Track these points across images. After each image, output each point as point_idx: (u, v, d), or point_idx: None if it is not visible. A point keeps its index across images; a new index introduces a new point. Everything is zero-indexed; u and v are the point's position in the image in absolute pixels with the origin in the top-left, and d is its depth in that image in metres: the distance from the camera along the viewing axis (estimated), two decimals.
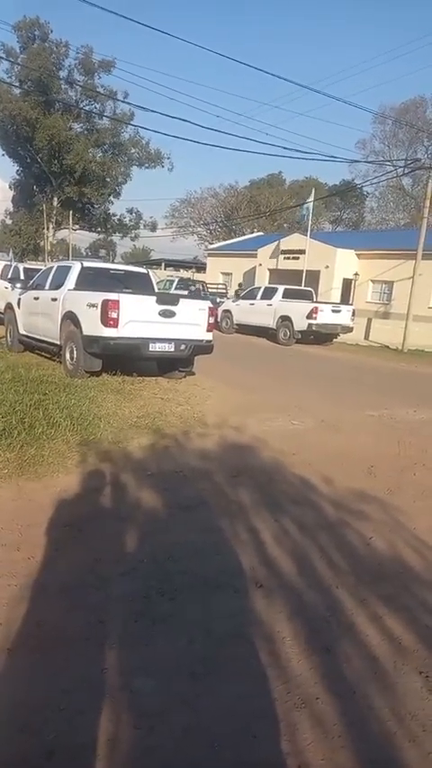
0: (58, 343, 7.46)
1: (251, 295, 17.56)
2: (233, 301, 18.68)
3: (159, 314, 6.85)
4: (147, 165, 37.79)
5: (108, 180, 36.46)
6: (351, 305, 18.42)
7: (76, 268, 7.71)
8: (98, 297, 6.58)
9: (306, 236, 25.85)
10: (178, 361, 7.57)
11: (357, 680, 2.00)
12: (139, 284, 8.11)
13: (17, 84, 32.87)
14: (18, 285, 9.61)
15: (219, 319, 16.25)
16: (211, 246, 40.96)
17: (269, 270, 29.47)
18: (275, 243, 29.06)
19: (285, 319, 15.38)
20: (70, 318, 7.07)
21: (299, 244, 26.65)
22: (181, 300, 7.18)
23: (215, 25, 75.78)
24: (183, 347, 7.07)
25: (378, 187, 47.07)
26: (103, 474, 3.89)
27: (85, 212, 38.20)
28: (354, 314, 16.06)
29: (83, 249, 49.42)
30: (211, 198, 54.09)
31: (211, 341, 7.40)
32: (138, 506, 3.40)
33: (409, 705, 1.89)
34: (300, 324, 14.94)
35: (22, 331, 8.82)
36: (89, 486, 3.66)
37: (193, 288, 23.78)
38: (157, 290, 8.85)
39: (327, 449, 5.04)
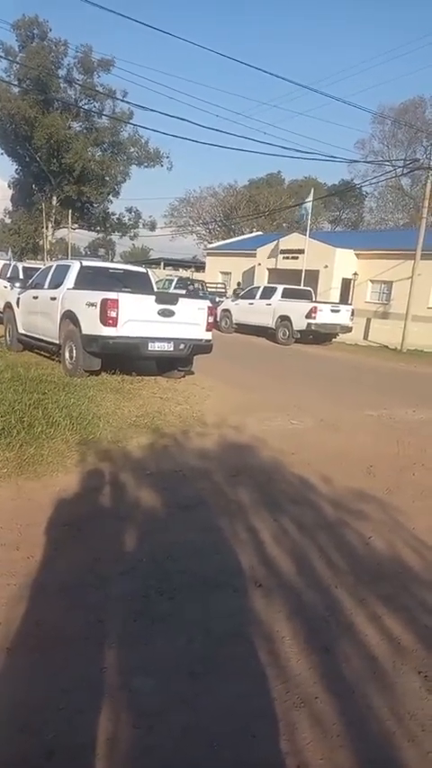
0: (58, 342, 7.45)
1: (250, 294, 17.56)
2: (232, 301, 18.68)
3: (158, 313, 6.84)
4: (146, 164, 37.76)
5: (107, 179, 36.43)
6: (350, 305, 18.43)
7: (75, 267, 7.70)
8: (97, 296, 6.58)
9: (305, 235, 25.86)
10: (177, 361, 7.57)
11: (356, 679, 2.00)
12: (138, 283, 8.10)
13: (16, 82, 32.83)
14: (17, 284, 9.61)
15: (218, 319, 16.26)
16: (211, 246, 40.95)
17: (268, 269, 29.47)
18: (274, 242, 29.07)
19: (284, 319, 15.38)
20: (69, 317, 7.06)
21: (298, 243, 26.66)
22: (180, 300, 7.18)
23: (215, 24, 75.79)
24: (182, 346, 7.06)
25: (377, 187, 47.12)
26: (102, 473, 3.89)
27: (84, 211, 38.16)
28: (353, 314, 16.07)
29: (82, 248, 49.47)
30: (211, 197, 54.12)
31: (210, 340, 7.40)
32: (137, 506, 3.40)
33: (408, 705, 1.90)
34: (299, 323, 14.94)
35: (21, 330, 8.82)
36: (88, 485, 3.66)
37: (191, 287, 23.77)
38: (156, 290, 8.85)
39: (326, 448, 5.04)
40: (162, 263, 44.90)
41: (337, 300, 23.46)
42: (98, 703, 1.78)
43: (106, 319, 6.47)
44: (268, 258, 29.51)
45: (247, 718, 1.78)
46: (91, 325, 6.63)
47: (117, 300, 6.50)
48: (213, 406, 6.35)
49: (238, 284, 29.81)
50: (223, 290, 28.56)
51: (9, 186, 39.26)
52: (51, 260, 26.64)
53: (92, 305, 6.61)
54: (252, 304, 16.81)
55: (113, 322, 6.49)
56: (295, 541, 3.08)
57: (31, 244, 37.98)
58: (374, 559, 2.96)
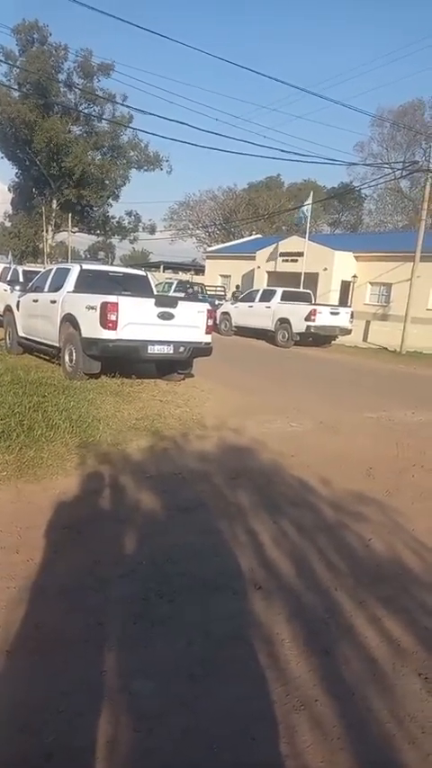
0: (57, 345, 7.46)
1: (250, 297, 17.58)
2: (232, 303, 18.70)
3: (158, 316, 6.85)
4: (145, 167, 37.84)
5: (107, 182, 36.51)
6: (349, 307, 18.44)
7: (74, 270, 7.72)
8: (97, 299, 6.59)
9: (304, 238, 25.90)
10: (177, 364, 7.58)
11: (356, 682, 2.00)
12: (137, 287, 8.11)
13: (16, 87, 32.94)
14: (17, 287, 9.62)
15: (217, 321, 16.27)
16: (210, 249, 41.05)
17: (268, 272, 29.52)
18: (274, 245, 29.13)
19: (284, 321, 15.40)
20: (69, 321, 7.07)
21: (297, 246, 26.70)
22: (180, 303, 7.19)
23: (214, 28, 76.11)
24: (182, 349, 7.07)
25: (376, 189, 47.22)
26: (102, 476, 3.89)
27: (83, 215, 38.23)
28: (352, 316, 16.08)
29: (82, 252, 49.52)
30: (210, 200, 54.24)
31: (209, 343, 7.41)
32: (137, 508, 3.40)
33: (408, 707, 1.90)
34: (298, 326, 14.95)
35: (21, 333, 8.83)
36: (88, 488, 3.66)
37: (190, 290, 23.79)
38: (155, 293, 8.86)
39: (325, 451, 5.04)
40: (162, 267, 44.95)
41: (337, 303, 23.47)
42: (98, 706, 1.78)
43: (106, 322, 6.48)
44: (268, 261, 29.56)
45: (246, 720, 1.78)
46: (91, 328, 6.64)
47: (117, 304, 6.51)
48: (213, 408, 6.35)
49: (237, 287, 29.85)
50: (223, 293, 28.59)
51: (9, 190, 39.36)
52: (51, 263, 26.68)
53: (92, 308, 6.62)
54: (251, 307, 16.83)
55: (113, 325, 6.50)
56: (295, 544, 3.08)
57: (31, 247, 38.03)
58: (374, 561, 2.96)
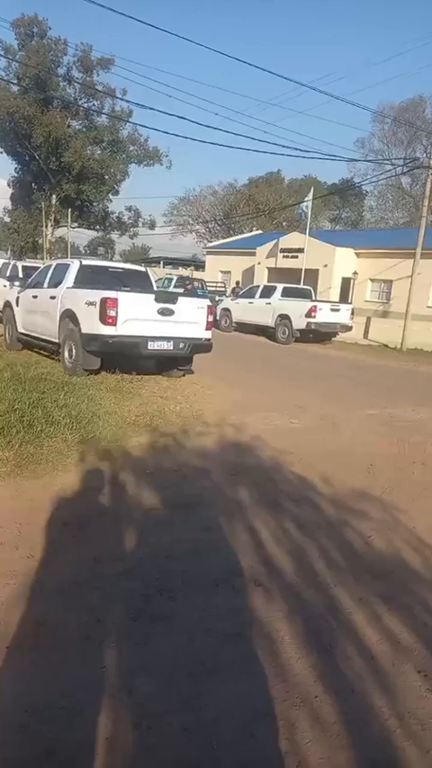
0: (57, 341, 7.45)
1: (250, 293, 17.54)
2: (232, 300, 18.67)
3: (158, 312, 6.83)
4: (145, 162, 37.69)
5: (106, 177, 36.37)
6: (350, 304, 18.41)
7: (74, 266, 7.69)
8: (97, 295, 6.57)
9: (305, 234, 25.85)
10: (177, 360, 7.56)
11: (356, 679, 2.00)
12: (137, 282, 8.09)
13: (15, 81, 32.77)
14: (16, 283, 9.60)
15: (218, 318, 16.24)
16: (210, 245, 40.93)
17: (268, 268, 29.47)
18: (274, 241, 29.07)
19: (284, 318, 15.37)
20: (69, 316, 7.05)
21: (298, 242, 26.65)
22: (180, 299, 7.17)
23: (215, 23, 75.66)
24: (182, 345, 7.06)
25: (377, 186, 47.14)
26: (102, 472, 3.88)
27: (83, 210, 38.11)
28: (352, 313, 16.05)
29: (81, 247, 49.40)
30: (210, 196, 54.10)
31: (210, 339, 7.40)
32: (137, 505, 3.40)
33: (407, 703, 1.90)
34: (298, 322, 14.92)
35: (20, 329, 8.81)
36: (88, 484, 3.65)
37: (189, 285, 23.75)
38: (155, 288, 8.84)
39: (326, 447, 5.04)
40: (161, 262, 44.89)
41: (337, 299, 23.47)
42: (98, 703, 1.78)
43: (106, 318, 6.46)
44: (268, 257, 29.51)
45: (246, 717, 1.78)
46: (90, 324, 6.62)
47: (116, 299, 6.49)
48: (213, 405, 6.34)
49: (237, 283, 29.80)
50: (223, 289, 28.56)
51: (8, 185, 39.22)
52: (51, 259, 26.62)
53: (91, 304, 6.60)
54: (252, 303, 16.80)
55: (113, 321, 6.48)
56: (295, 540, 3.07)
57: (31, 242, 37.94)
58: (374, 558, 2.96)
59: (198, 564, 2.72)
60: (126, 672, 1.94)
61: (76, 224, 37.36)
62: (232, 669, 2.00)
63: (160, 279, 23.22)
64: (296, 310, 15.07)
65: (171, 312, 6.91)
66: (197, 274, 35.12)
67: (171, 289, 21.26)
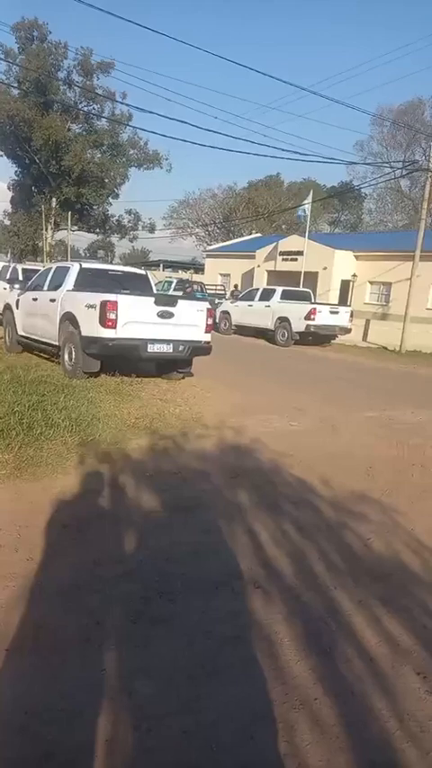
0: (57, 343, 7.46)
1: (249, 296, 17.57)
2: (231, 302, 18.69)
3: (158, 315, 6.85)
4: (145, 165, 37.80)
5: (106, 181, 36.46)
6: (349, 306, 18.44)
7: (74, 269, 7.71)
8: (96, 298, 6.58)
9: (304, 237, 25.90)
10: (177, 363, 7.57)
11: (356, 681, 2.00)
12: (137, 285, 8.11)
13: (15, 84, 32.86)
14: (16, 286, 9.61)
15: (217, 320, 16.26)
16: (210, 248, 41.04)
17: (267, 271, 29.52)
18: (274, 244, 29.12)
19: (283, 320, 15.39)
20: (69, 319, 7.07)
21: (297, 245, 26.70)
22: (179, 302, 7.19)
23: (214, 27, 75.95)
24: (181, 348, 7.07)
25: (376, 189, 47.28)
26: (101, 475, 3.88)
27: (83, 213, 38.19)
28: (352, 315, 16.07)
29: (81, 250, 49.43)
30: (210, 199, 54.22)
31: (209, 342, 7.41)
32: (136, 507, 3.40)
33: (407, 705, 1.90)
34: (298, 325, 14.94)
35: (20, 332, 8.82)
36: (88, 487, 3.65)
37: (189, 289, 23.78)
38: (155, 292, 8.85)
39: (325, 450, 5.04)
40: (161, 265, 44.94)
41: (337, 302, 23.47)
42: (97, 705, 1.78)
43: (105, 321, 6.47)
44: (267, 260, 29.56)
45: (246, 720, 1.78)
46: (90, 326, 6.63)
47: (116, 302, 6.50)
48: (213, 407, 6.35)
49: (236, 286, 29.86)
50: (222, 292, 28.60)
51: (9, 188, 39.33)
52: (51, 262, 26.65)
53: (91, 307, 6.61)
54: (251, 306, 16.82)
55: (113, 324, 6.49)
56: (294, 543, 3.08)
57: (31, 245, 38.01)
58: (374, 561, 2.96)
59: (197, 566, 2.72)
60: (126, 674, 1.94)
61: (75, 227, 37.44)
62: (232, 672, 2.00)
63: (160, 282, 23.24)
64: (295, 313, 15.09)
65: (171, 315, 6.92)
66: (197, 277, 35.15)
67: (171, 292, 21.27)
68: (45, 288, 8.08)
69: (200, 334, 7.26)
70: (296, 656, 2.11)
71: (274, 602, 2.46)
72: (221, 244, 40.80)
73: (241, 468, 4.26)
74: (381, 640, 2.25)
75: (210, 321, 7.38)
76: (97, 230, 41.05)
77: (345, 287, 27.20)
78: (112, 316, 6.48)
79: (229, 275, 33.90)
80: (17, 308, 8.84)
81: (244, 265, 31.99)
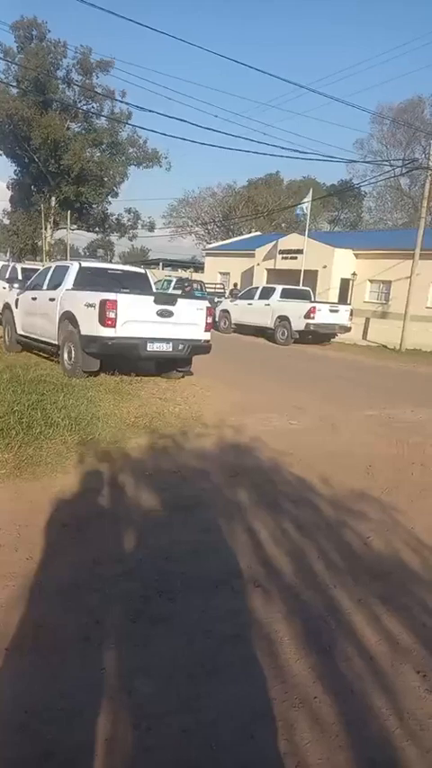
0: (56, 343, 7.45)
1: (249, 295, 17.56)
2: (231, 301, 18.69)
3: (157, 314, 6.84)
4: (144, 164, 37.76)
5: (106, 179, 36.42)
6: (349, 305, 18.43)
7: (74, 268, 7.70)
8: (96, 297, 6.58)
9: (304, 235, 25.89)
10: (176, 361, 7.57)
11: (355, 679, 2.00)
12: (137, 284, 8.10)
13: (14, 83, 32.82)
14: (16, 285, 9.60)
15: (217, 319, 16.25)
16: (209, 246, 40.98)
17: (267, 270, 29.50)
18: (273, 243, 29.10)
19: (283, 319, 15.38)
20: (68, 318, 7.06)
21: (297, 243, 26.68)
22: (179, 300, 7.18)
23: (213, 25, 75.82)
24: (181, 347, 7.06)
25: (376, 187, 47.21)
26: (101, 474, 3.88)
27: (82, 212, 38.15)
28: (351, 313, 16.06)
29: (81, 249, 49.41)
30: (209, 198, 54.15)
31: (209, 341, 7.40)
32: (136, 506, 3.40)
33: (406, 704, 1.90)
34: (297, 323, 14.94)
35: (20, 331, 8.81)
36: (87, 486, 3.65)
37: (188, 287, 23.78)
38: (154, 290, 8.85)
39: (325, 448, 5.04)
40: (161, 264, 44.91)
41: (336, 300, 23.48)
42: (97, 704, 1.78)
43: (105, 320, 6.47)
44: (267, 258, 29.54)
45: (246, 718, 1.78)
46: (90, 325, 6.63)
47: (116, 301, 6.50)
48: (212, 406, 6.35)
49: (235, 285, 29.85)
50: (222, 291, 28.60)
51: (8, 187, 39.29)
52: (50, 261, 26.64)
53: (90, 306, 6.61)
54: (251, 304, 16.81)
55: (112, 323, 6.49)
56: (294, 541, 3.08)
57: (30, 245, 37.96)
58: (373, 559, 2.96)
59: (197, 565, 2.72)
60: (125, 673, 1.94)
61: (75, 226, 37.40)
62: (231, 670, 2.00)
63: (159, 281, 23.23)
64: (295, 311, 15.09)
65: (170, 314, 6.92)
66: (196, 276, 35.14)
67: (170, 290, 21.27)
68: (44, 287, 8.07)
69: (199, 333, 7.25)
70: (296, 655, 2.11)
71: (274, 601, 2.46)
72: (221, 242, 40.76)
73: (241, 467, 4.26)
74: (380, 639, 2.25)
75: (209, 320, 7.38)
76: (96, 229, 41.02)
77: (344, 285, 27.19)
78: (112, 315, 6.47)
79: (228, 274, 33.88)
80: (16, 308, 8.84)
81: (243, 264, 31.97)
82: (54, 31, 35.13)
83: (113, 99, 33.05)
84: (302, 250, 25.40)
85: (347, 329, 15.87)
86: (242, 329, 17.21)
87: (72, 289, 7.39)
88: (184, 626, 2.23)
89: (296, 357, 13.12)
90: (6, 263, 15.82)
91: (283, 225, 47.96)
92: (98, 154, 36.41)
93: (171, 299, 7.16)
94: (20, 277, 12.33)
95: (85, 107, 36.02)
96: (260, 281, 27.29)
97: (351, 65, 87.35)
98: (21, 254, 37.01)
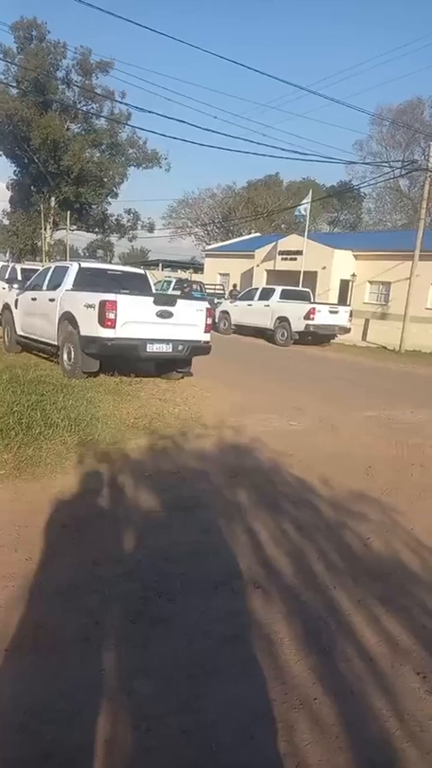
0: (56, 343, 7.45)
1: (249, 296, 17.57)
2: (231, 302, 18.69)
3: (157, 315, 6.84)
4: (144, 165, 37.81)
5: (105, 180, 36.46)
6: (348, 306, 18.44)
7: (73, 269, 7.70)
8: (96, 297, 6.58)
9: (303, 236, 25.90)
10: (176, 362, 7.57)
11: (355, 680, 2.00)
12: (136, 285, 8.10)
13: (14, 84, 32.85)
14: (15, 285, 9.60)
15: (216, 320, 16.26)
16: (209, 247, 41.01)
17: (267, 271, 29.51)
18: (273, 244, 29.11)
19: (283, 320, 15.39)
20: (68, 319, 7.06)
21: (296, 244, 26.70)
22: (178, 301, 7.18)
23: (214, 23, 75.94)
24: (180, 348, 7.06)
25: (375, 188, 47.31)
26: (100, 475, 3.88)
27: (82, 213, 38.18)
28: (351, 315, 16.07)
29: (80, 250, 49.47)
30: (209, 199, 54.18)
31: (208, 341, 7.40)
32: (135, 507, 3.40)
33: (406, 705, 1.90)
34: (297, 324, 14.94)
35: (19, 331, 8.81)
36: (87, 486, 3.65)
37: (187, 288, 23.78)
38: (154, 291, 8.85)
39: (325, 449, 5.04)
40: (160, 265, 44.93)
41: (336, 301, 23.48)
42: (97, 705, 1.78)
43: (105, 321, 6.47)
44: (267, 259, 29.55)
45: (245, 719, 1.78)
46: (89, 326, 6.63)
47: (115, 302, 6.49)
48: (212, 407, 6.35)
49: (234, 286, 29.86)
50: (222, 292, 28.61)
51: (7, 188, 39.32)
52: (50, 261, 26.63)
53: (90, 306, 6.61)
54: (250, 305, 16.82)
55: (112, 323, 6.49)
56: (294, 542, 3.08)
57: (30, 245, 38.00)
58: (373, 560, 2.96)
59: (197, 566, 2.72)
60: (125, 674, 1.94)
61: (74, 227, 37.42)
62: (231, 671, 2.00)
63: (159, 282, 23.24)
64: (295, 312, 15.09)
65: (170, 315, 6.92)
66: (196, 277, 35.16)
67: (169, 291, 21.27)
68: (44, 287, 8.07)
69: (199, 334, 7.25)
70: (296, 656, 2.11)
71: (274, 602, 2.46)
72: (220, 243, 40.79)
73: (241, 468, 4.26)
74: (380, 640, 2.25)
75: (209, 321, 7.38)
76: (96, 230, 41.06)
77: (344, 286, 27.20)
78: (111, 315, 6.47)
79: (228, 275, 33.89)
80: (16, 308, 8.84)
81: (243, 265, 31.98)
82: (54, 32, 35.26)
83: (113, 100, 33.15)
84: (302, 251, 25.41)
85: (347, 330, 15.88)
86: (242, 330, 17.22)
87: (72, 289, 7.39)
88: (183, 627, 2.23)
89: (296, 358, 13.12)
90: (6, 264, 15.82)
91: (282, 226, 47.99)
92: (98, 154, 36.45)
93: (171, 300, 7.16)
94: (19, 277, 12.32)
95: (84, 108, 36.07)
96: (260, 282, 27.29)
97: (351, 66, 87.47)
98: (20, 254, 37.03)
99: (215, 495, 3.70)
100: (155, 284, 10.18)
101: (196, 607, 2.37)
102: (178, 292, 20.52)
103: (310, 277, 25.22)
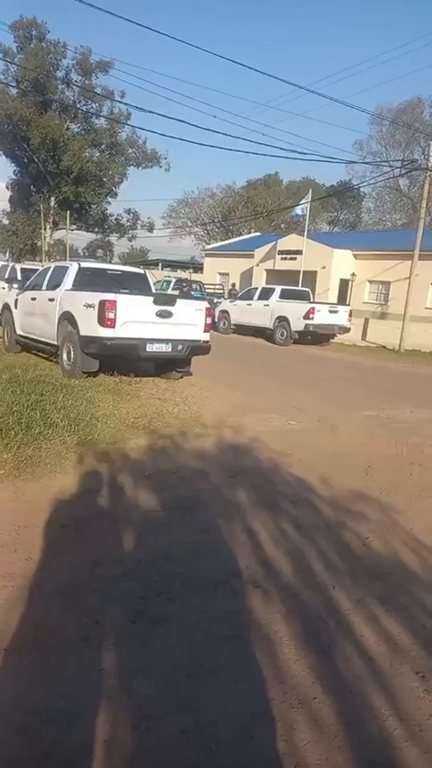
0: (56, 343, 7.45)
1: (248, 295, 17.57)
2: (230, 302, 18.69)
3: (156, 314, 6.84)
4: (144, 165, 37.78)
5: (105, 180, 36.45)
6: (348, 305, 18.44)
7: (73, 268, 7.70)
8: (95, 297, 6.58)
9: (303, 236, 25.91)
10: (175, 362, 7.57)
11: (354, 680, 2.01)
12: (136, 285, 8.10)
13: (14, 83, 32.83)
14: (15, 285, 9.60)
15: (216, 319, 16.26)
16: (209, 247, 41.00)
17: (266, 270, 29.51)
18: (272, 243, 29.11)
19: (282, 320, 15.39)
20: (67, 319, 7.06)
21: (296, 244, 26.70)
22: (178, 301, 7.18)
23: (214, 23, 75.90)
24: (180, 347, 7.06)
25: (375, 188, 47.31)
26: (100, 474, 3.88)
27: (82, 212, 38.17)
28: (350, 314, 16.08)
29: (80, 249, 49.47)
30: (209, 198, 54.17)
31: (208, 341, 7.40)
32: (135, 507, 3.40)
33: (405, 704, 1.90)
34: (297, 324, 14.94)
35: (19, 331, 8.81)
36: (87, 486, 3.65)
37: (186, 288, 23.77)
38: (154, 291, 8.85)
39: (324, 449, 5.04)
40: (160, 265, 44.91)
41: (335, 301, 23.48)
42: (97, 705, 1.78)
43: (104, 320, 6.47)
44: (266, 259, 29.55)
45: (245, 719, 1.78)
46: (89, 326, 6.63)
47: (115, 302, 6.49)
48: (211, 406, 6.35)
49: (233, 286, 29.86)
50: (221, 291, 28.61)
51: (7, 187, 39.30)
52: (49, 261, 26.62)
53: (90, 306, 6.61)
54: (250, 305, 16.82)
55: (111, 323, 6.49)
56: (293, 542, 3.08)
57: (30, 245, 37.98)
58: (372, 560, 2.97)
59: (196, 566, 2.72)
60: (125, 673, 1.94)
61: (74, 226, 37.41)
62: (231, 671, 2.00)
63: (159, 281, 23.23)
64: (294, 312, 15.09)
65: (169, 314, 6.92)
66: (196, 276, 35.15)
67: (169, 291, 21.27)
68: (44, 287, 8.07)
69: (199, 334, 7.25)
70: (295, 655, 2.11)
71: (273, 601, 2.46)
72: (220, 243, 40.77)
73: (240, 468, 4.26)
74: (379, 639, 2.26)
75: (208, 320, 7.38)
76: (96, 229, 41.04)
77: (344, 286, 27.21)
78: (111, 315, 6.47)
79: (227, 274, 33.89)
80: (16, 308, 8.83)
81: (243, 264, 31.98)
82: (53, 32, 35.32)
83: (113, 99, 33.12)
84: (302, 251, 25.41)
85: (346, 330, 15.89)
86: (241, 330, 17.22)
87: (71, 289, 7.39)
88: (183, 626, 2.23)
89: (295, 358, 13.12)
90: (6, 264, 15.81)
91: (282, 225, 47.99)
92: (97, 154, 36.44)
93: (170, 300, 7.16)
94: (19, 277, 12.32)
95: (84, 107, 36.04)
96: (259, 281, 27.30)
97: (351, 65, 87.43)
98: (20, 254, 37.01)
99: (215, 494, 3.70)
100: (154, 284, 10.18)
101: (196, 607, 2.37)
102: (177, 292, 20.52)
103: (310, 276, 25.22)
